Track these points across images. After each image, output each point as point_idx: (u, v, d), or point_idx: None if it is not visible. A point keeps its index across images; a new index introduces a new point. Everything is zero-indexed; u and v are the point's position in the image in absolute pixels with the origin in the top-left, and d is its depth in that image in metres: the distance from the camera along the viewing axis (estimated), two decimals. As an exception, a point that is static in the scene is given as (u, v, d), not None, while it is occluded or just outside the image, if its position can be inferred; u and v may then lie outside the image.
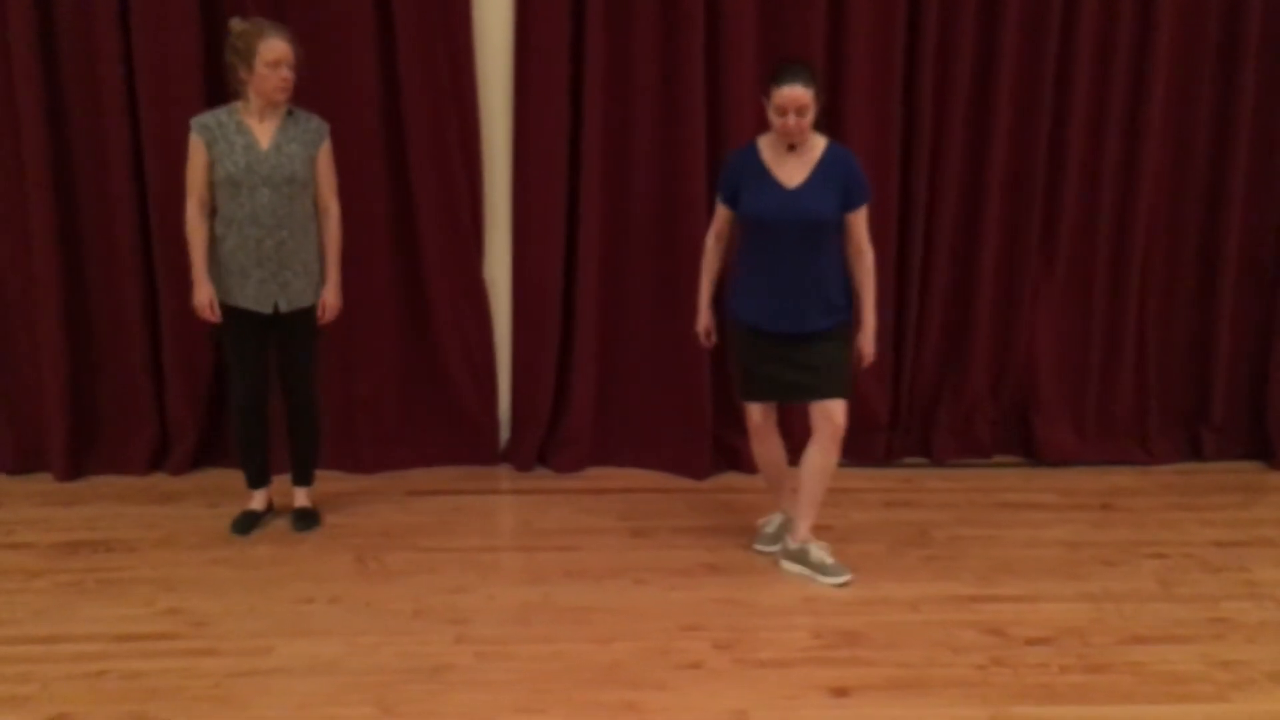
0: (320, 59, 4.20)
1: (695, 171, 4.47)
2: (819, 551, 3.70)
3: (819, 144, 3.54)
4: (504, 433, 4.83)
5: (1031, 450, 4.89)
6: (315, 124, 3.80)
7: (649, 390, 4.74)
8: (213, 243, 3.73)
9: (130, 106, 4.31)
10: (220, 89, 4.26)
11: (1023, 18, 4.53)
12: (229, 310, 3.77)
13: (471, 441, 4.74)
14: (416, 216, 4.50)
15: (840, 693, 2.99)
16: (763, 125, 3.58)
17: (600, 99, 4.44)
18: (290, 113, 3.74)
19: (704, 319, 3.82)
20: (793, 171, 3.51)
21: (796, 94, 3.36)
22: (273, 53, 3.58)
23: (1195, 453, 4.98)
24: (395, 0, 4.30)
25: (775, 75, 3.41)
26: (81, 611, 3.38)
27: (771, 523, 3.98)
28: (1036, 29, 4.54)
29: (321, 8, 4.29)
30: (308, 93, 3.98)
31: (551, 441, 4.76)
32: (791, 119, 3.40)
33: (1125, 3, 4.55)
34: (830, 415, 3.59)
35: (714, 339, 3.87)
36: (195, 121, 3.68)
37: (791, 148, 3.50)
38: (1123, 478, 4.75)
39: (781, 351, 3.60)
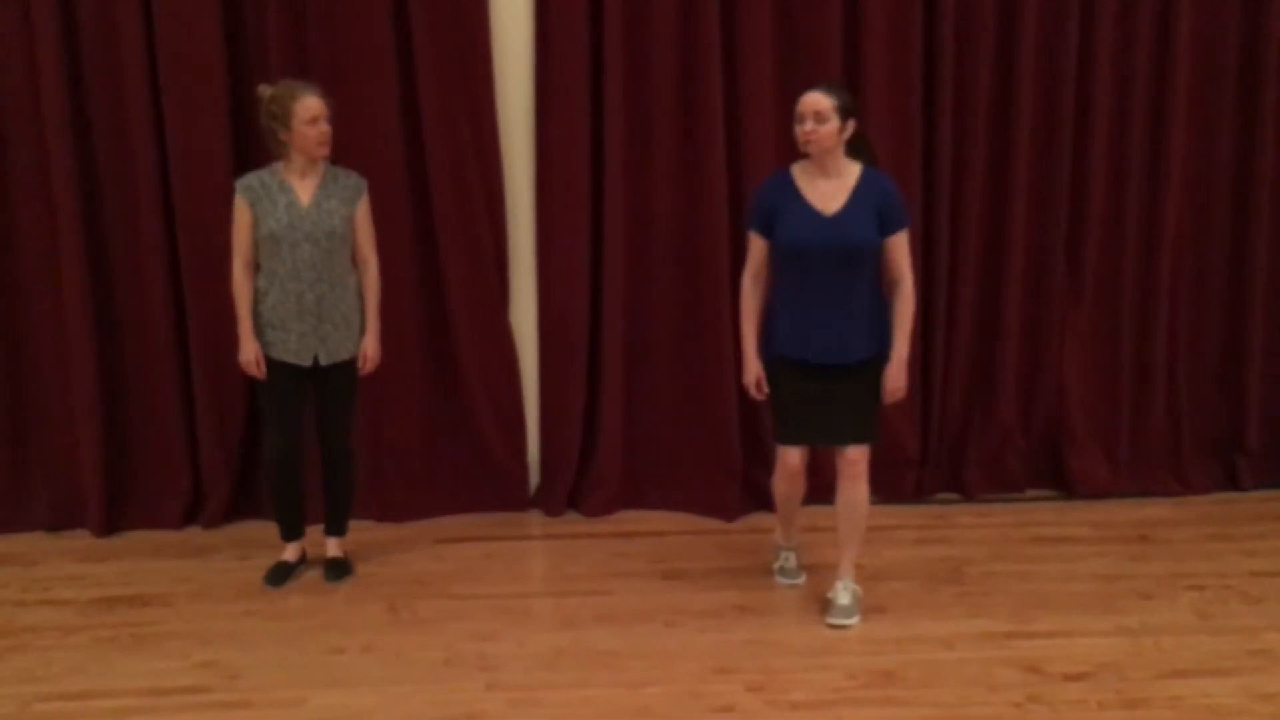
0: (340, 113, 4.27)
1: (718, 212, 4.50)
2: (844, 590, 3.67)
3: (854, 169, 3.46)
4: (533, 478, 4.85)
5: (1064, 483, 4.84)
6: (354, 180, 3.88)
7: (677, 432, 4.74)
8: (254, 298, 3.82)
9: (161, 168, 4.39)
10: (247, 151, 4.35)
11: (1039, 43, 4.56)
12: (269, 364, 3.84)
13: (501, 488, 4.75)
14: (441, 264, 4.55)
15: (875, 733, 2.96)
16: (783, 160, 3.57)
17: (621, 143, 4.49)
18: (330, 170, 3.83)
19: (753, 367, 3.61)
20: (829, 198, 3.42)
21: (814, 98, 3.34)
22: (309, 111, 3.68)
23: (1232, 482, 4.91)
24: (416, 50, 4.37)
25: None
26: (117, 666, 3.40)
27: (789, 560, 3.99)
28: (1053, 55, 4.57)
29: (341, 58, 4.36)
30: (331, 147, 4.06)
31: (581, 486, 4.77)
32: (809, 124, 3.34)
33: (1142, 31, 4.57)
34: (851, 458, 3.55)
35: (766, 388, 3.62)
36: (239, 183, 3.78)
37: (809, 157, 3.41)
38: (1158, 509, 4.69)
39: (820, 387, 3.50)
